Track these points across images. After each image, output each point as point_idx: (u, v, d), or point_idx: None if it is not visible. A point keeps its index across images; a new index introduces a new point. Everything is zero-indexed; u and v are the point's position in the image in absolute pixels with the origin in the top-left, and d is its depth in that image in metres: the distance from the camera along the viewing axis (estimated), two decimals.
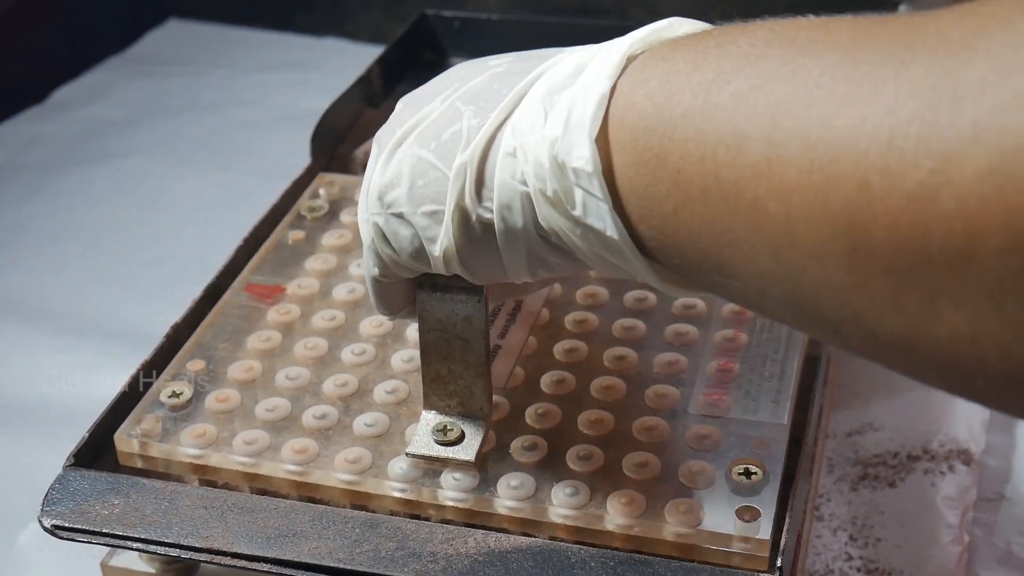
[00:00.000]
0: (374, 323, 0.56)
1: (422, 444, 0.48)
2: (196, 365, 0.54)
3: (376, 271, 0.46)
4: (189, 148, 0.99)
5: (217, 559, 0.45)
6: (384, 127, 0.46)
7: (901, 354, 0.32)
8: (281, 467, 0.49)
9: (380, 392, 0.53)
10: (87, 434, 0.51)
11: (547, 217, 0.41)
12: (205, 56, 1.13)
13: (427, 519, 0.48)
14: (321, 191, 0.67)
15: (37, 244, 0.88)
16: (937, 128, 0.29)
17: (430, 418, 0.49)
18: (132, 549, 0.47)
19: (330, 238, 0.63)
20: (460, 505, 0.47)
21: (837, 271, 0.32)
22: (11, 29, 1.07)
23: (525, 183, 0.41)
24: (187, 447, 0.50)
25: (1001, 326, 0.28)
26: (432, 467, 0.48)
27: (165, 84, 1.09)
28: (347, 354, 0.55)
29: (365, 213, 0.45)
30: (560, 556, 0.44)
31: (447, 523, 0.47)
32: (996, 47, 0.28)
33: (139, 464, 0.51)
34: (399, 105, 0.47)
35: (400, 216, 0.43)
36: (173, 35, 1.18)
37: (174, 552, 0.46)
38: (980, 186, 0.28)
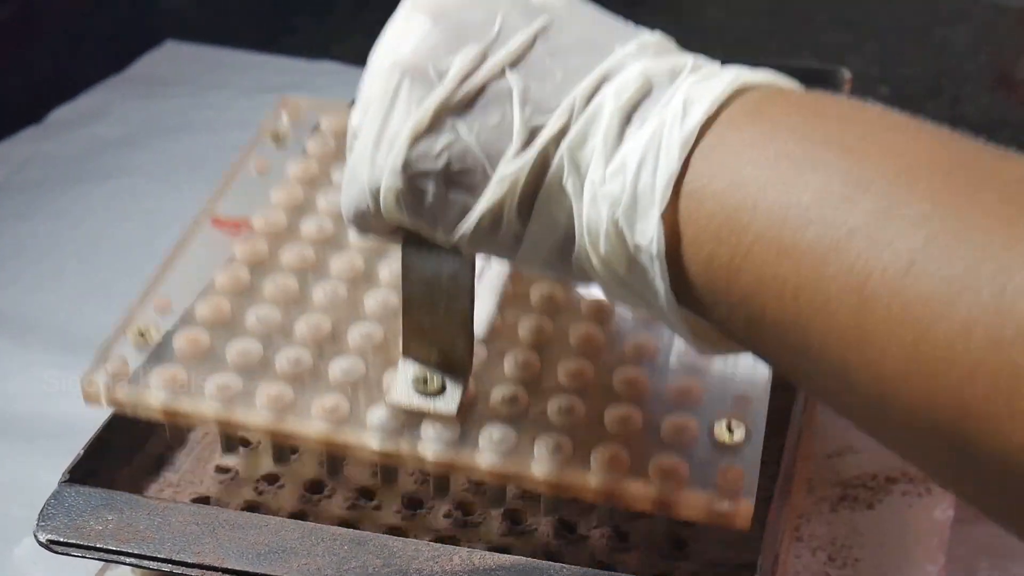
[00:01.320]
0: (345, 260, 0.55)
1: (402, 393, 0.47)
2: (163, 303, 0.53)
3: (368, 208, 0.41)
4: (186, 168, 1.01)
5: (208, 575, 0.47)
6: (398, 40, 0.41)
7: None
8: (256, 415, 0.48)
9: (355, 335, 0.51)
10: (82, 451, 0.51)
11: (583, 261, 0.38)
12: (201, 77, 1.16)
13: (409, 473, 0.47)
14: (284, 116, 0.64)
15: (35, 261, 0.91)
16: None
17: (409, 368, 0.48)
18: (125, 564, 0.48)
19: (295, 167, 0.61)
20: (441, 459, 0.47)
21: (941, 460, 0.30)
22: (9, 49, 1.10)
23: (571, 219, 0.38)
24: (156, 390, 0.49)
25: None
26: (411, 419, 0.48)
27: (162, 104, 1.11)
28: (318, 294, 0.53)
29: (376, 155, 0.40)
30: (542, 574, 0.46)
31: (426, 475, 0.47)
32: None
33: (105, 406, 0.50)
34: (417, 15, 0.40)
35: (424, 186, 0.40)
36: (169, 56, 1.21)
37: (166, 567, 0.47)
38: None
